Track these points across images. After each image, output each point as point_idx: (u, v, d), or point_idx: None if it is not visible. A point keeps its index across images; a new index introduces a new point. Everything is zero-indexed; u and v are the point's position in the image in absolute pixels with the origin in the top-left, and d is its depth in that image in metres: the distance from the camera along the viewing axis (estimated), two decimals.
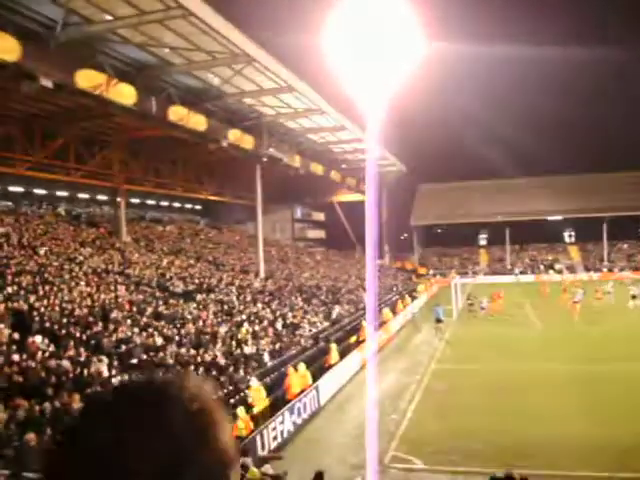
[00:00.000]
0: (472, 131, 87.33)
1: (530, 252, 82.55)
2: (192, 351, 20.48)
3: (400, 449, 15.71)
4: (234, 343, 23.04)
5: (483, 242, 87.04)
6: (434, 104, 78.79)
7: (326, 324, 32.30)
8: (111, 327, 19.96)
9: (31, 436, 11.48)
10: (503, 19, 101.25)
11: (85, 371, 15.87)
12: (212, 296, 29.46)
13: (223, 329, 24.27)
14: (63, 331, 18.28)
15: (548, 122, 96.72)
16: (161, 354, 19.05)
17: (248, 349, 22.96)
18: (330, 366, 23.61)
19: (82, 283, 24.05)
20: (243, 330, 25.04)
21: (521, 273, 75.13)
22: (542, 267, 76.87)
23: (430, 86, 60.17)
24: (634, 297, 41.40)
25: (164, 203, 58.62)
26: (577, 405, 18.82)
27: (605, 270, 73.14)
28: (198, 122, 30.87)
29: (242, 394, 18.90)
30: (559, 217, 78.51)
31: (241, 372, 20.59)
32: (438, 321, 34.71)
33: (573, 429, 16.48)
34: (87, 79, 23.06)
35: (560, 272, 74.22)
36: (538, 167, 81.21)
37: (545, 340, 30.77)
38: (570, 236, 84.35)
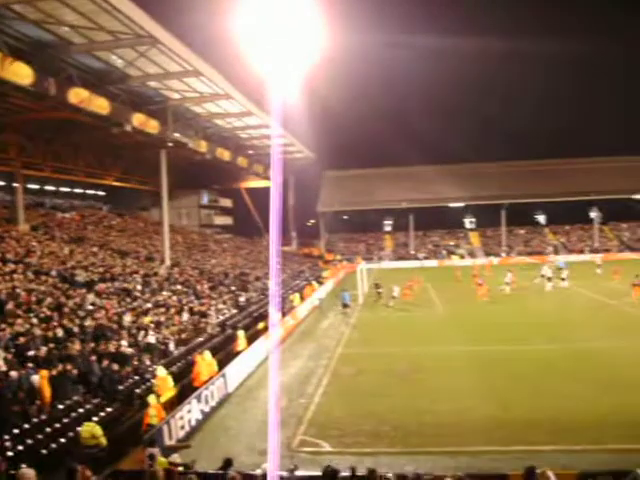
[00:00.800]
0: (378, 119, 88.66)
1: (433, 238, 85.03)
2: (95, 342, 19.94)
3: (308, 433, 15.91)
4: (139, 332, 22.59)
5: (388, 228, 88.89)
6: (341, 92, 79.39)
7: (234, 311, 32.18)
8: (8, 319, 19.12)
9: None
10: (407, 10, 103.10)
11: None
12: (116, 285, 28.72)
13: (128, 318, 23.73)
14: None
15: (450, 111, 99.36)
16: (63, 346, 18.43)
17: (153, 338, 22.57)
18: (238, 353, 23.58)
19: None
20: (148, 319, 24.59)
21: (425, 258, 77.29)
22: (444, 252, 79.36)
23: (336, 75, 60.68)
24: (549, 279, 43.48)
25: (65, 189, 56.43)
26: (478, 385, 19.72)
27: (504, 255, 76.36)
28: (100, 105, 29.86)
29: (149, 384, 18.63)
30: (460, 204, 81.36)
31: (147, 361, 20.27)
32: (345, 306, 35.64)
33: (475, 407, 17.28)
34: None
35: (462, 257, 77.03)
36: (440, 155, 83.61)
37: (448, 323, 31.92)
38: (471, 222, 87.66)
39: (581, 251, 75.55)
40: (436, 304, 38.83)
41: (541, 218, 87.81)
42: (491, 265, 66.74)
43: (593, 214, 79.16)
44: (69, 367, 16.73)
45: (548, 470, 9.80)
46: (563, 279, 43.74)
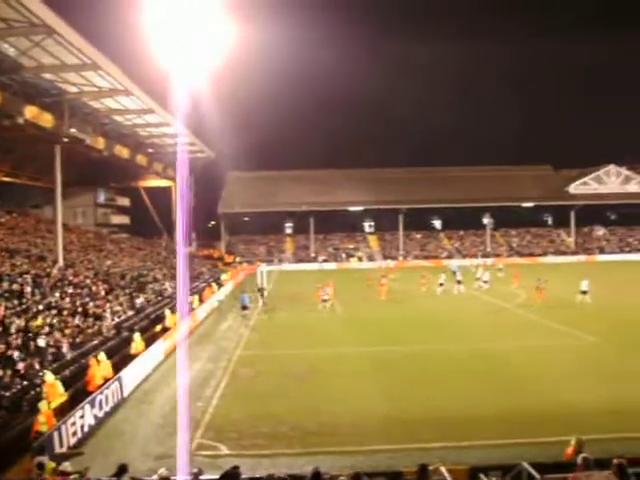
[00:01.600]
0: (283, 122, 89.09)
1: (333, 241, 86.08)
2: None
3: (206, 436, 15.74)
4: (29, 335, 21.60)
5: (289, 231, 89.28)
6: (248, 93, 79.28)
7: (130, 313, 31.35)
8: None
9: None
10: (314, 10, 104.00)
11: None
12: (4, 286, 27.32)
13: (16, 321, 22.63)
14: None
15: (354, 116, 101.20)
16: None
17: (44, 341, 21.63)
18: (134, 356, 22.98)
19: None
20: (38, 321, 23.54)
21: (324, 261, 78.14)
22: (344, 255, 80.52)
23: (245, 76, 60.43)
24: (459, 282, 45.10)
25: None
26: (375, 385, 20.22)
27: (400, 258, 78.36)
28: None
29: (38, 389, 17.84)
30: (360, 208, 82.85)
31: (37, 366, 19.41)
32: (244, 308, 35.78)
33: (372, 407, 17.71)
34: None
35: (360, 260, 78.51)
36: (342, 160, 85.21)
37: (346, 325, 32.40)
38: (370, 226, 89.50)
39: (474, 255, 78.61)
40: (335, 306, 39.28)
41: (437, 223, 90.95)
42: (397, 267, 68.36)
43: (486, 220, 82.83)
44: None
45: (441, 466, 10.15)
46: (459, 282, 45.16)
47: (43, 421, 14.42)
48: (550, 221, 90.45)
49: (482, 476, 10.50)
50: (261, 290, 41.37)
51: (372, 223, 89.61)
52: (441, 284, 44.73)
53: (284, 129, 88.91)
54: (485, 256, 77.88)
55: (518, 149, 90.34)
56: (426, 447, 14.06)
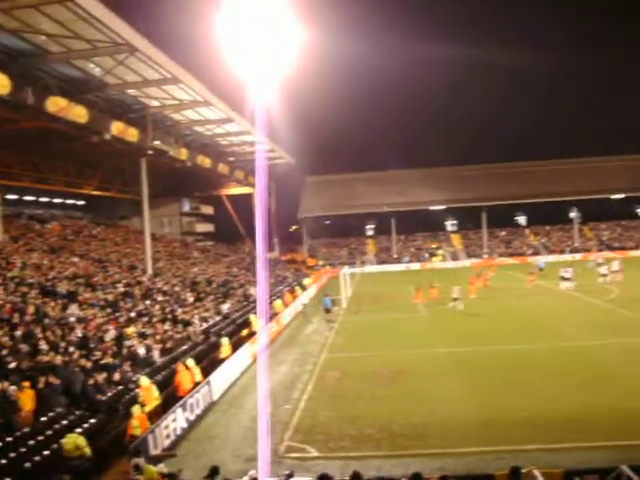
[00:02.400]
0: (359, 124, 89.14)
1: (415, 241, 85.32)
2: (78, 353, 19.77)
3: (294, 439, 15.88)
4: (123, 342, 22.43)
5: (370, 232, 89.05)
6: (322, 98, 79.64)
7: (217, 318, 32.06)
8: None
9: None
10: (389, 16, 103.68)
11: None
12: (98, 295, 28.49)
13: (111, 328, 23.55)
14: None
15: (431, 115, 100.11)
16: (46, 358, 18.24)
17: (137, 347, 22.42)
18: (222, 360, 23.48)
19: None
20: (131, 329, 24.42)
21: (410, 262, 77.55)
22: (427, 255, 79.64)
23: (317, 81, 60.84)
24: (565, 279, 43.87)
25: (44, 199, 55.92)
26: (463, 386, 19.83)
27: (485, 256, 76.85)
28: (79, 114, 29.67)
29: (133, 393, 18.49)
30: (441, 207, 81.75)
31: (130, 371, 20.11)
32: (327, 311, 35.85)
33: (458, 408, 17.35)
34: None
35: (443, 259, 77.57)
36: (421, 159, 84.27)
37: (432, 325, 32.02)
38: (452, 225, 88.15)
39: (562, 251, 76.19)
40: (420, 307, 38.90)
41: (522, 219, 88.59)
42: (495, 265, 66.54)
43: (573, 214, 79.88)
44: (52, 379, 16.57)
45: (534, 469, 9.86)
46: (565, 279, 43.77)
47: (136, 425, 14.93)
48: None
49: None
50: (345, 294, 41.06)
51: (454, 222, 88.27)
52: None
53: (360, 131, 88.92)
54: (573, 251, 75.33)
55: (607, 139, 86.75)
56: (518, 449, 13.64)
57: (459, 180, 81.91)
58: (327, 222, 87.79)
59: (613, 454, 12.67)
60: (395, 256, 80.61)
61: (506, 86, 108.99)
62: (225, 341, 25.41)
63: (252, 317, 31.69)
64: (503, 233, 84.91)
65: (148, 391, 17.88)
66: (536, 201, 78.55)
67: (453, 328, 30.80)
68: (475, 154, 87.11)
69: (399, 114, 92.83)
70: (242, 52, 8.75)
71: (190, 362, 20.74)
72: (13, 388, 15.26)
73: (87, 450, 13.54)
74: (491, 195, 77.86)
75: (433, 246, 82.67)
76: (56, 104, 27.85)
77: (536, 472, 9.78)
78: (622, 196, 78.90)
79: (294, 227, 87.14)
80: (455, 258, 78.59)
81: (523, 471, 9.26)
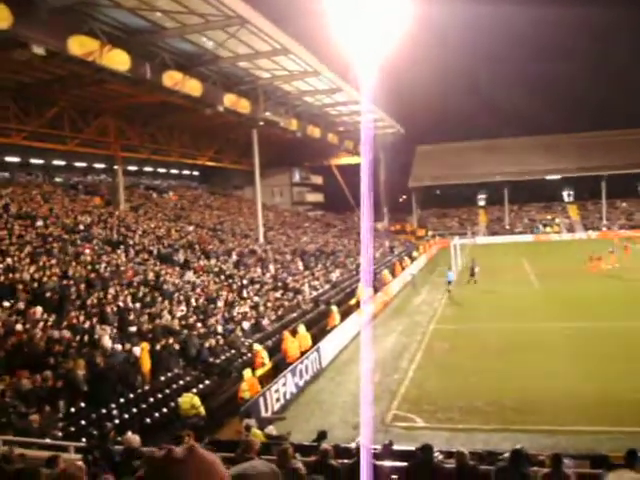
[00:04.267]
0: (469, 92, 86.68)
1: (529, 212, 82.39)
2: (194, 317, 20.67)
3: (401, 408, 15.96)
4: (236, 308, 23.22)
5: (482, 202, 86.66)
6: (430, 66, 78.05)
7: (326, 287, 32.49)
8: (111, 296, 20.04)
9: (35, 417, 11.72)
10: None
11: (87, 339, 16.04)
12: (212, 262, 29.55)
13: (223, 295, 24.42)
14: (64, 301, 18.35)
15: (544, 81, 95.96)
16: (164, 322, 19.20)
17: (249, 314, 23.15)
18: (332, 328, 23.82)
19: (86, 252, 24.07)
20: (243, 296, 25.23)
21: (520, 233, 75.16)
22: (541, 227, 76.76)
23: (426, 48, 59.61)
24: None
25: (161, 170, 58.35)
26: (575, 362, 19.13)
27: (604, 229, 73.23)
28: (193, 87, 30.55)
29: (245, 357, 19.17)
30: (557, 176, 78.26)
31: (242, 337, 20.81)
32: (449, 284, 35.20)
33: (571, 386, 16.75)
34: (80, 45, 22.70)
35: (558, 230, 74.54)
36: (535, 126, 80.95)
37: (543, 299, 31.02)
38: (569, 195, 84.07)
39: None
40: (531, 280, 37.77)
41: None
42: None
43: None
44: (171, 341, 17.44)
45: None
46: None
47: (245, 388, 15.47)
48: None
49: None
50: (472, 270, 38.87)
51: (571, 192, 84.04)
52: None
53: (473, 99, 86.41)
54: None
55: None
56: (634, 431, 13.03)
57: (577, 148, 77.82)
58: (437, 192, 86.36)
59: None
60: (507, 227, 78.31)
61: (626, 51, 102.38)
62: (335, 309, 25.74)
63: (359, 287, 31.86)
64: (624, 204, 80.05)
65: (259, 355, 18.49)
66: None
67: (568, 302, 29.65)
68: (593, 120, 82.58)
69: (512, 80, 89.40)
70: (350, 21, 8.69)
71: (302, 329, 21.16)
72: (136, 349, 16.20)
73: (202, 409, 14.21)
74: (612, 163, 73.39)
75: (548, 217, 79.40)
76: (172, 78, 28.80)
77: None
78: None
79: (403, 197, 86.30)
80: (571, 230, 75.35)
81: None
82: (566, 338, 22.33)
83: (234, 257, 32.13)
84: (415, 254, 54.62)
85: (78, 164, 47.69)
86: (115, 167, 38.44)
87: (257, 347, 19.02)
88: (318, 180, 78.80)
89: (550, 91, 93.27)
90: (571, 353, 20.22)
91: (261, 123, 39.22)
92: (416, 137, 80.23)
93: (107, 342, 16.09)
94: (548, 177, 78.19)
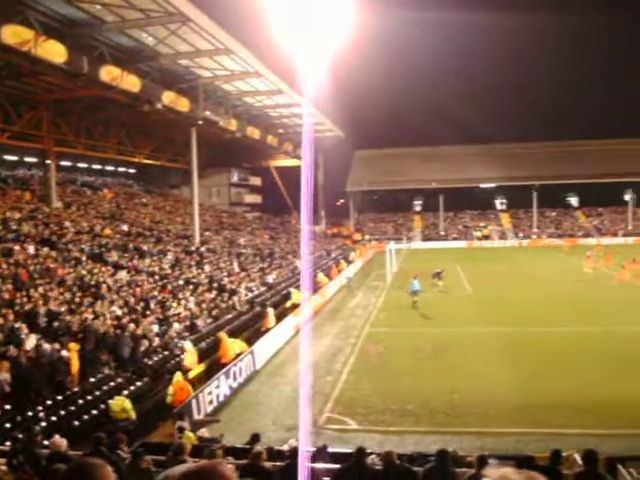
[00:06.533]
0: (408, 98, 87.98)
1: (463, 219, 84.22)
2: (127, 318, 20.28)
3: (335, 410, 16.03)
4: (169, 309, 22.91)
5: (418, 208, 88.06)
6: (372, 72, 78.89)
7: (262, 289, 32.41)
8: (39, 295, 19.48)
9: None
10: None
11: (13, 339, 15.55)
12: (147, 262, 29.07)
13: (157, 296, 24.07)
14: None
15: (482, 90, 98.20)
16: (96, 322, 18.77)
17: (183, 315, 22.88)
18: (267, 330, 23.78)
19: (15, 248, 23.31)
20: (177, 296, 24.91)
21: (454, 239, 76.78)
22: (474, 233, 78.56)
23: (368, 53, 60.16)
24: None
25: (96, 166, 57.04)
26: (505, 366, 19.62)
27: (534, 237, 75.54)
28: (132, 83, 30.01)
29: (178, 359, 18.93)
30: (491, 185, 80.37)
31: (176, 338, 20.55)
32: (414, 294, 31.90)
33: (500, 388, 17.22)
34: (14, 35, 21.94)
35: (487, 236, 76.58)
36: (471, 135, 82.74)
37: (476, 304, 31.73)
38: (502, 203, 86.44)
39: (614, 234, 74.19)
40: (465, 285, 38.62)
41: (573, 200, 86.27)
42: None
43: (628, 196, 77.27)
44: (99, 342, 17.08)
45: (575, 453, 9.73)
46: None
47: (171, 393, 15.23)
48: None
49: (620, 467, 9.95)
50: (438, 274, 37.97)
51: (504, 200, 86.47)
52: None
53: (412, 106, 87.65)
54: (627, 235, 73.23)
55: None
56: (559, 433, 13.45)
57: (511, 158, 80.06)
58: (375, 197, 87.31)
59: None
60: (442, 233, 79.84)
61: (563, 63, 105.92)
62: (270, 311, 25.70)
63: (294, 290, 31.88)
64: (554, 213, 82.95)
65: (192, 356, 18.30)
66: (589, 182, 76.28)
67: (500, 307, 30.45)
68: (528, 131, 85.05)
69: (451, 88, 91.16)
70: (293, 23, 8.71)
71: (223, 334, 20.70)
72: (64, 349, 15.79)
73: (133, 414, 13.96)
74: (543, 174, 75.89)
75: (481, 224, 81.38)
76: (110, 73, 28.22)
77: (577, 456, 9.66)
78: None
79: (341, 201, 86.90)
80: (503, 237, 77.44)
81: (564, 454, 9.17)
82: (496, 342, 22.93)
83: (169, 257, 31.69)
84: (351, 258, 55.05)
85: (8, 157, 46.16)
86: (47, 162, 37.30)
87: (189, 347, 18.79)
88: (256, 181, 78.58)
89: (487, 100, 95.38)
90: (502, 357, 20.73)
91: (200, 122, 38.86)
92: (355, 142, 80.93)
93: (33, 342, 15.61)
94: (482, 185, 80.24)
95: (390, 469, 8.67)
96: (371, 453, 10.21)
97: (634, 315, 26.66)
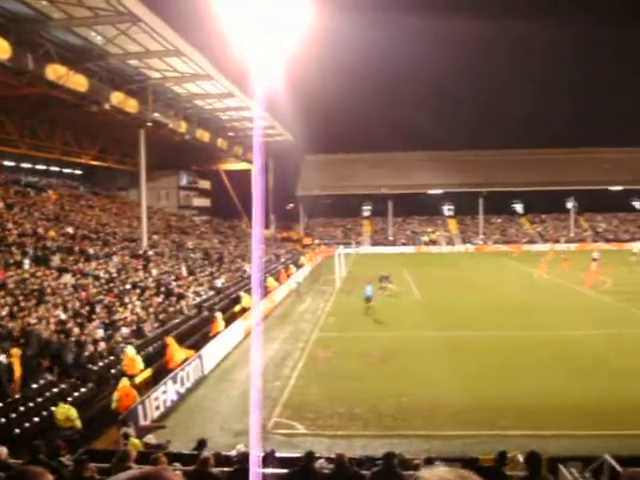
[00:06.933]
0: (358, 104, 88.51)
1: (411, 224, 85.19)
2: (71, 322, 19.84)
3: (283, 415, 16.02)
4: (115, 313, 22.51)
5: (367, 213, 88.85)
6: (323, 77, 79.04)
7: (210, 293, 32.13)
8: None
9: None
10: None
11: None
12: (93, 265, 28.50)
13: (103, 300, 23.62)
14: None
15: (432, 98, 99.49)
16: (38, 327, 18.30)
17: (130, 319, 22.50)
18: (216, 335, 23.59)
19: None
20: (123, 300, 24.49)
21: (403, 244, 77.59)
22: (422, 239, 79.57)
23: (320, 59, 60.38)
24: None
25: (41, 167, 55.63)
26: (451, 369, 20.00)
27: (480, 243, 76.98)
28: (79, 82, 29.44)
29: (122, 365, 18.59)
30: (439, 191, 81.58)
31: (122, 342, 20.19)
32: (368, 300, 31.53)
33: (447, 392, 17.53)
34: None
35: (433, 241, 77.83)
36: (420, 142, 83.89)
37: (424, 309, 32.11)
38: (449, 210, 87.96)
39: (557, 241, 76.20)
40: (413, 290, 39.05)
41: (518, 207, 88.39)
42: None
43: (570, 204, 79.70)
44: (42, 347, 16.66)
45: (518, 454, 9.96)
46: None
47: (115, 399, 14.95)
48: None
49: (561, 467, 10.24)
50: (385, 278, 38.29)
51: (452, 206, 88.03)
52: None
53: (362, 112, 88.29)
54: (569, 241, 75.41)
55: (606, 130, 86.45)
56: (504, 435, 13.80)
57: (458, 165, 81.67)
58: (324, 201, 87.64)
59: (597, 443, 12.83)
60: (391, 238, 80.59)
61: (509, 72, 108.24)
62: (219, 316, 25.50)
63: (244, 294, 31.71)
64: (499, 220, 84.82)
65: (132, 361, 17.93)
66: (533, 189, 78.38)
67: (447, 312, 30.89)
68: (475, 139, 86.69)
69: (401, 96, 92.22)
70: (245, 27, 8.69)
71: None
72: (4, 355, 15.33)
73: (78, 422, 13.63)
74: (489, 181, 77.70)
75: (429, 230, 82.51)
76: (56, 71, 27.61)
77: (520, 457, 9.89)
78: (620, 188, 78.62)
79: (291, 205, 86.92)
80: (450, 243, 78.66)
81: (508, 456, 9.37)
82: (443, 346, 23.29)
83: (116, 260, 31.14)
84: (301, 262, 55.07)
85: None
86: None
87: (130, 352, 18.38)
88: (206, 185, 78.03)
89: (436, 107, 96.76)
90: (449, 361, 21.09)
91: (149, 124, 38.35)
92: (305, 146, 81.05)
93: None
94: (430, 191, 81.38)
95: (340, 472, 8.70)
96: (319, 457, 10.26)
97: (576, 320, 27.63)
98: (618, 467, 9.47)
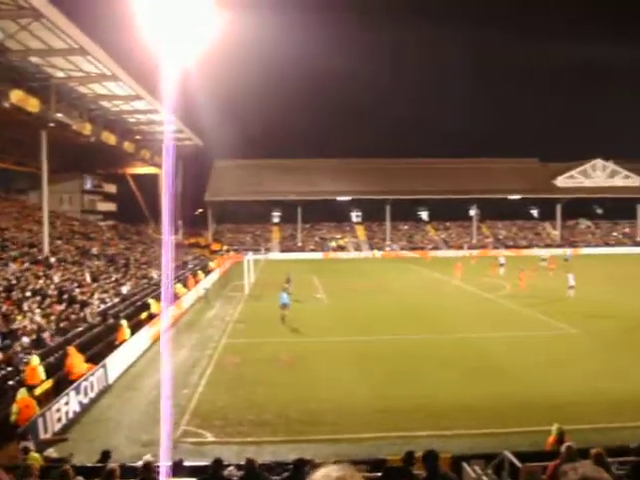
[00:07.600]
0: (268, 110, 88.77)
1: (320, 231, 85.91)
2: None
3: (191, 423, 15.78)
4: (13, 322, 21.54)
5: (276, 220, 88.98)
6: (233, 82, 78.79)
7: (116, 300, 31.26)
8: None
9: None
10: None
11: None
12: None
13: (1, 308, 22.56)
14: None
15: (339, 106, 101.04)
16: None
17: (30, 327, 21.58)
18: (121, 343, 22.96)
19: None
20: (23, 308, 23.48)
21: (311, 250, 78.10)
22: (331, 245, 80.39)
23: (230, 63, 60.15)
24: None
25: None
26: (359, 373, 20.37)
27: (388, 249, 78.55)
28: None
29: (23, 375, 17.80)
30: (347, 198, 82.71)
31: (21, 352, 19.34)
32: (284, 307, 31.17)
33: (355, 395, 17.84)
34: None
35: (341, 247, 79.01)
36: (329, 149, 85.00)
37: (333, 314, 32.44)
38: (357, 216, 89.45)
39: (460, 247, 78.89)
40: (319, 296, 39.38)
41: (424, 214, 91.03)
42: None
43: (472, 212, 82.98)
44: None
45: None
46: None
47: (15, 411, 14.32)
48: (536, 214, 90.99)
49: (465, 465, 10.60)
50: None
51: (359, 213, 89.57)
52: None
53: (271, 118, 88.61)
54: (471, 247, 78.29)
55: (505, 142, 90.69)
56: (410, 435, 14.16)
57: (366, 172, 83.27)
58: (233, 207, 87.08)
59: (497, 440, 13.45)
60: (300, 245, 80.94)
61: (417, 83, 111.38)
62: (124, 323, 24.85)
63: (152, 300, 31.12)
64: (406, 227, 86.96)
65: (34, 371, 17.21)
66: (438, 197, 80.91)
67: (355, 317, 31.32)
68: (383, 148, 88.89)
69: (313, 103, 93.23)
70: (156, 30, 8.56)
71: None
72: None
73: None
74: (396, 189, 79.56)
75: (337, 236, 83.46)
76: None
77: None
78: (518, 197, 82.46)
79: (199, 210, 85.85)
80: (358, 249, 79.83)
81: (416, 456, 9.58)
82: (351, 351, 23.66)
83: (14, 267, 29.80)
84: (209, 268, 54.50)
85: None
86: None
87: (34, 361, 17.65)
88: (111, 189, 76.01)
89: (345, 116, 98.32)
90: (355, 365, 21.38)
91: (51, 124, 36.95)
92: (214, 151, 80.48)
93: None
94: (339, 198, 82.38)
95: (250, 477, 8.67)
96: (228, 465, 10.18)
97: (479, 324, 28.68)
98: (518, 463, 9.88)
